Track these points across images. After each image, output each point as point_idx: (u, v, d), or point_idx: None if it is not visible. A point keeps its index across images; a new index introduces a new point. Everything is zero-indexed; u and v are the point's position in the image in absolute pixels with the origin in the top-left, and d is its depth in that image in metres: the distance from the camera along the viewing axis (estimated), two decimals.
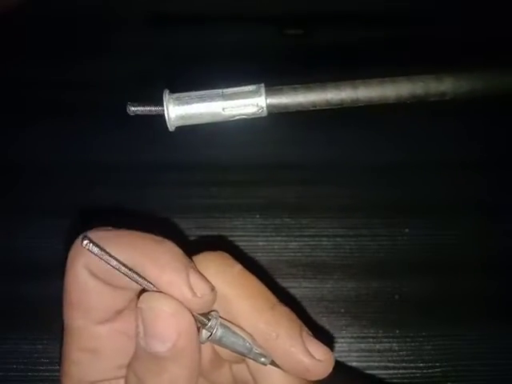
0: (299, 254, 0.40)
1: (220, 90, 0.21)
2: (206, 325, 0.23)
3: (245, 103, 0.21)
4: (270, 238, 0.40)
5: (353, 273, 0.39)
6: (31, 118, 0.45)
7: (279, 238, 0.40)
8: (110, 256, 0.22)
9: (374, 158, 0.44)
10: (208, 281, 0.23)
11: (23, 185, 0.42)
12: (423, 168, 0.43)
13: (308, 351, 0.24)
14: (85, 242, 0.22)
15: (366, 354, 0.37)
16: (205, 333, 0.24)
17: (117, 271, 0.22)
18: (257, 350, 0.24)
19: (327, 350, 0.25)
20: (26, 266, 0.39)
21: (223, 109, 0.21)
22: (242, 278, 0.25)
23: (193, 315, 0.23)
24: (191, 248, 0.25)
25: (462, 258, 0.40)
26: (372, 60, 0.48)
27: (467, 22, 0.51)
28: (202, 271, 0.24)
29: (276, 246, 0.40)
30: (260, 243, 0.40)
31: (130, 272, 0.22)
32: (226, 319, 0.25)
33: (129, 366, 0.25)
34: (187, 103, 0.21)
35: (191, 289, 0.23)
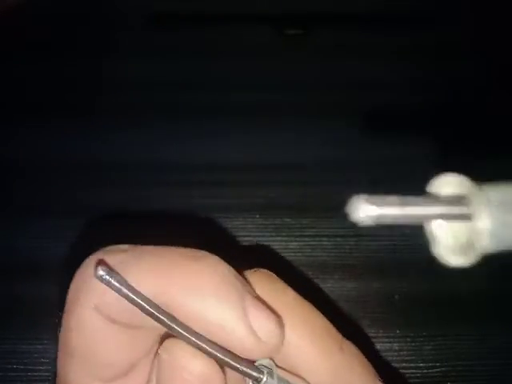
0: (299, 254, 0.40)
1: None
2: (260, 381, 0.17)
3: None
4: (270, 238, 0.40)
5: (353, 273, 0.39)
6: (31, 118, 0.45)
7: (279, 238, 0.40)
8: (134, 292, 0.16)
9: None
10: (273, 315, 0.17)
11: (23, 185, 0.42)
12: None
13: None
14: (100, 272, 0.16)
15: None
16: None
17: (144, 312, 0.16)
18: None
19: None
20: (26, 266, 0.39)
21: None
22: (299, 307, 0.19)
23: (239, 369, 0.17)
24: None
25: None
26: (372, 60, 0.48)
27: (467, 22, 0.51)
28: None
29: (276, 246, 0.40)
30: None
31: (162, 315, 0.16)
32: (281, 367, 0.18)
33: None
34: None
35: (252, 330, 0.16)
